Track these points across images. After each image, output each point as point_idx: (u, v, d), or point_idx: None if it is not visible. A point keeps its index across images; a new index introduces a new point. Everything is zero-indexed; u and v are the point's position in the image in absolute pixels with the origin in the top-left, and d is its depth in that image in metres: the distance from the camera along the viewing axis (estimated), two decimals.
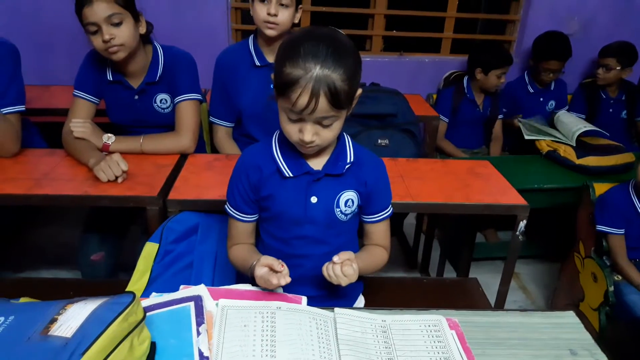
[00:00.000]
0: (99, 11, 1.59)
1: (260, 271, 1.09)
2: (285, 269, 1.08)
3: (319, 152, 1.18)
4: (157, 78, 1.83)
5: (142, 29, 1.75)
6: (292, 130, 1.09)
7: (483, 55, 2.76)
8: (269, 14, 1.76)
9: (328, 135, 1.09)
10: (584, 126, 2.56)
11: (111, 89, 1.84)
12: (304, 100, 1.00)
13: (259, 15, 1.79)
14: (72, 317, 0.85)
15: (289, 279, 1.07)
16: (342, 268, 1.10)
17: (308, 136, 1.06)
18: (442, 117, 2.80)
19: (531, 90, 3.00)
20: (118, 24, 1.63)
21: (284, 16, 1.78)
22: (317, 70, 0.99)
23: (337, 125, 1.09)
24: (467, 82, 2.86)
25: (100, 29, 1.61)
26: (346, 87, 1.02)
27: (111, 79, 1.81)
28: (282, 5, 1.77)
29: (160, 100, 1.87)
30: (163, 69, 1.83)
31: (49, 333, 0.82)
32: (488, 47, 2.84)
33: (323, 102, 1.01)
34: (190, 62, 1.87)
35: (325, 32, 1.06)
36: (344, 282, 1.10)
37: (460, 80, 2.91)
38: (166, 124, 1.89)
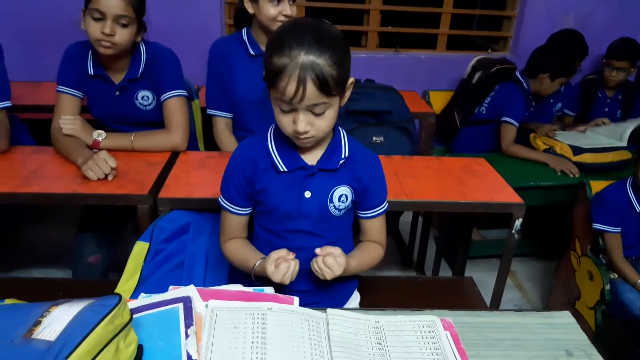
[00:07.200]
0: (113, 6, 1.58)
1: (272, 268, 1.13)
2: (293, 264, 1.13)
3: (313, 146, 1.17)
4: (139, 74, 1.79)
5: (138, 38, 1.74)
6: (285, 122, 1.08)
7: (554, 62, 2.56)
8: (282, 14, 1.75)
9: (322, 124, 1.08)
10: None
11: (92, 83, 1.80)
12: (292, 87, 1.00)
13: (271, 14, 1.75)
14: (56, 320, 0.83)
15: (287, 281, 1.12)
16: (324, 260, 1.12)
17: (301, 126, 1.05)
18: (512, 121, 2.56)
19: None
20: (124, 25, 1.63)
21: (293, 11, 1.79)
22: (302, 57, 0.99)
23: (330, 114, 1.08)
24: (525, 80, 2.63)
25: (106, 20, 1.59)
26: (334, 72, 1.01)
27: (92, 72, 1.77)
28: (290, 2, 1.77)
29: (142, 97, 1.84)
30: (145, 66, 1.79)
31: (32, 336, 0.80)
32: (558, 53, 2.59)
33: (311, 88, 1.00)
34: (173, 59, 1.84)
35: (309, 21, 1.08)
36: (327, 274, 1.12)
37: (507, 75, 2.67)
38: (148, 120, 1.86)
